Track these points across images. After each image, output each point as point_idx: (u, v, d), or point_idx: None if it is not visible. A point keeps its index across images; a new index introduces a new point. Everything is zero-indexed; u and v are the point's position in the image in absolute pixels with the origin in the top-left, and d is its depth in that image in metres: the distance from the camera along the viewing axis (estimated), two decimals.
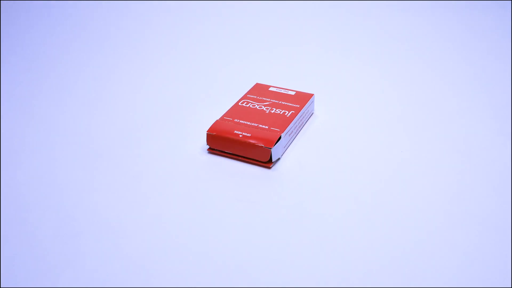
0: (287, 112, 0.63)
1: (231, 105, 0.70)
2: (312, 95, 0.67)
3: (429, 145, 0.62)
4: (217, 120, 0.62)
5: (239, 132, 0.59)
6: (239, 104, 0.65)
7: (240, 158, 0.59)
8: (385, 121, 0.67)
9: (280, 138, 0.58)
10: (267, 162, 0.58)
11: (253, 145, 0.58)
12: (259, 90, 0.69)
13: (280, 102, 0.66)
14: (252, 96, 0.67)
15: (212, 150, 0.61)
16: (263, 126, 0.60)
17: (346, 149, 0.61)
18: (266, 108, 0.64)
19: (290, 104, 0.65)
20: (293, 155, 0.60)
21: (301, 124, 0.65)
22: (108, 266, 0.46)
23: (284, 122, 0.61)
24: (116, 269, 0.46)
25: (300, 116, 0.64)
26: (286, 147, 0.61)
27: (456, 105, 0.71)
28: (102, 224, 0.51)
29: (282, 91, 0.68)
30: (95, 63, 0.83)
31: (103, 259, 0.47)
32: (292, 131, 0.62)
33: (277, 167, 0.58)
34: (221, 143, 0.59)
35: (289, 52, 0.86)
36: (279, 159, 0.60)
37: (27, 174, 0.57)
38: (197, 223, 0.51)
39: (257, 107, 0.64)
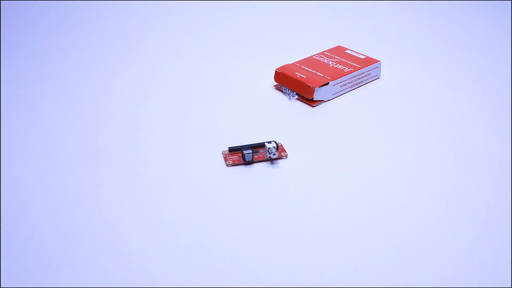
0: (347, 68, 0.76)
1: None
2: (378, 61, 0.78)
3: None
4: (288, 64, 0.77)
5: (298, 74, 0.74)
6: (313, 56, 0.80)
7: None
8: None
9: (327, 84, 0.72)
10: (311, 101, 0.72)
11: (303, 83, 0.72)
12: (336, 50, 0.82)
13: (346, 61, 0.78)
14: (327, 53, 0.81)
15: (276, 86, 0.77)
16: (319, 74, 0.74)
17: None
18: (331, 63, 0.77)
19: (353, 64, 0.77)
20: (338, 103, 0.73)
21: (359, 82, 0.77)
22: (107, 266, 0.48)
23: (338, 75, 0.74)
24: (116, 269, 0.47)
25: (357, 75, 0.76)
26: (335, 95, 0.74)
27: (456, 106, 0.73)
28: (102, 223, 0.52)
29: (355, 54, 0.80)
30: (98, 63, 0.86)
31: (102, 259, 0.48)
32: (345, 84, 0.74)
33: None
34: (283, 79, 0.75)
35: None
36: (324, 101, 0.73)
37: (27, 174, 0.59)
38: (197, 222, 0.52)
39: (325, 61, 0.78)
